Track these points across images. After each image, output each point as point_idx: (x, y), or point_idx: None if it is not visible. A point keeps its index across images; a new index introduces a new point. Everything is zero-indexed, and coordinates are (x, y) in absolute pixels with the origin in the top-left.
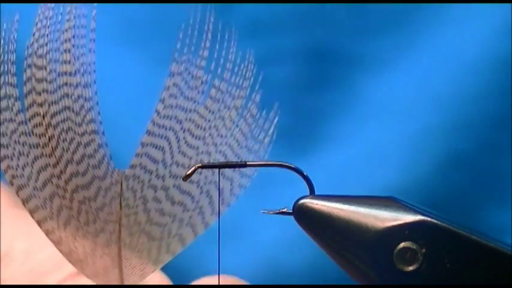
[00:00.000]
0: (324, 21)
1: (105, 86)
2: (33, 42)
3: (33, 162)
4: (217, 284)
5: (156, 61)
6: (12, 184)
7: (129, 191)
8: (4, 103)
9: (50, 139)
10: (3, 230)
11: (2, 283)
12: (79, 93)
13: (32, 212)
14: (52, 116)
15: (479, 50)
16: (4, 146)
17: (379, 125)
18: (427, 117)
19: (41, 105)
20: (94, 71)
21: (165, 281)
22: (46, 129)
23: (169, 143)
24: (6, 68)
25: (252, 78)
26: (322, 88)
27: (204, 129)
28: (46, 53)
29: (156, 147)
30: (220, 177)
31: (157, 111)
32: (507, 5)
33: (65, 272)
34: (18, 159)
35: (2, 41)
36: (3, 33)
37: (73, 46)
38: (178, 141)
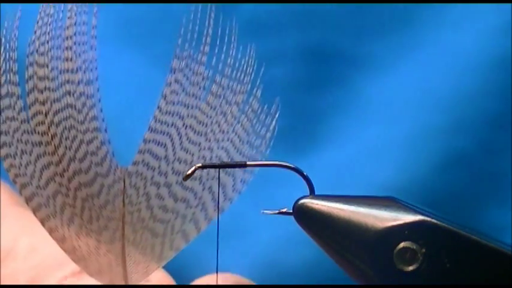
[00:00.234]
0: (324, 21)
1: (105, 84)
2: (34, 40)
3: (36, 160)
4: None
5: (157, 59)
6: (15, 182)
7: (132, 188)
8: (6, 101)
9: (52, 137)
10: (6, 227)
11: (6, 279)
12: (81, 91)
13: (35, 210)
14: (54, 114)
15: (479, 50)
16: (7, 145)
17: (379, 125)
18: (427, 117)
19: (43, 103)
20: (96, 68)
21: (168, 279)
22: (48, 127)
23: (172, 140)
24: (8, 66)
25: (253, 74)
26: (322, 88)
27: (206, 125)
28: (48, 51)
29: (158, 144)
30: (222, 173)
31: (159, 108)
32: (507, 5)
33: (69, 269)
34: (21, 157)
35: (2, 40)
36: (4, 32)
37: (74, 43)
38: (180, 137)
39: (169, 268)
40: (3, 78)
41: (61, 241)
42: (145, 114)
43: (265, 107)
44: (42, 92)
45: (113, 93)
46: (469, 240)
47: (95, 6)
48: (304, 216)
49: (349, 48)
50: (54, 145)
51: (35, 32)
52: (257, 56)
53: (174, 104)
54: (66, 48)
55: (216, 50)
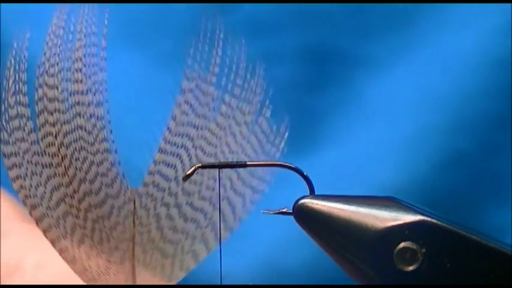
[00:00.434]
0: (324, 22)
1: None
2: (44, 62)
3: (46, 181)
4: None
5: (156, 58)
6: (25, 204)
7: (143, 209)
8: (16, 123)
9: (62, 158)
10: (12, 243)
11: None
12: (91, 112)
13: (45, 231)
14: (65, 136)
15: (479, 50)
16: (17, 166)
17: (379, 125)
18: (427, 117)
19: (53, 124)
20: (106, 90)
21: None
22: (59, 148)
23: (182, 161)
24: (17, 88)
25: (262, 94)
26: (322, 88)
27: (216, 146)
28: (57, 73)
29: (168, 165)
30: (232, 193)
31: (169, 129)
32: (507, 5)
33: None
34: (31, 179)
35: (12, 61)
36: (13, 53)
37: (84, 65)
38: (190, 158)
39: None
40: (13, 100)
41: (71, 262)
42: (146, 114)
43: (275, 127)
44: (52, 114)
45: (113, 93)
46: (469, 240)
47: (105, 27)
48: (304, 216)
49: (349, 48)
50: (65, 166)
51: (45, 54)
52: (257, 56)
53: (183, 125)
54: (76, 70)
55: (225, 69)
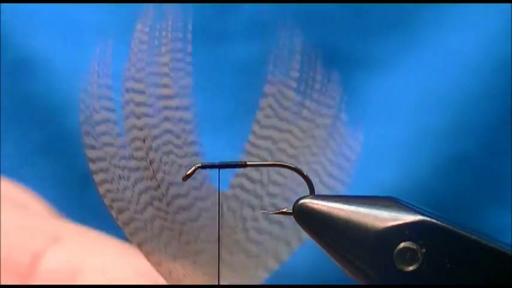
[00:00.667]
0: (324, 21)
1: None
2: (130, 67)
3: (134, 185)
4: None
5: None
6: (111, 208)
7: (229, 211)
8: (102, 127)
9: (151, 162)
10: (64, 247)
11: None
12: (179, 116)
13: (132, 234)
14: (153, 140)
15: (481, 51)
16: (103, 170)
17: (380, 125)
18: (427, 119)
19: (141, 129)
20: (193, 94)
21: None
22: (147, 153)
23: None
24: (102, 93)
25: (338, 97)
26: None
27: (297, 149)
28: (144, 77)
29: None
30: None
31: (254, 132)
32: (508, 5)
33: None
34: (118, 183)
35: (97, 67)
36: (98, 59)
37: (171, 70)
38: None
39: None
40: (99, 104)
41: (157, 264)
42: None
43: (351, 128)
44: (139, 118)
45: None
46: (469, 240)
47: (189, 32)
48: (304, 216)
49: (349, 48)
50: (153, 170)
51: (130, 59)
52: (257, 56)
53: (267, 128)
54: (163, 74)
55: (302, 74)
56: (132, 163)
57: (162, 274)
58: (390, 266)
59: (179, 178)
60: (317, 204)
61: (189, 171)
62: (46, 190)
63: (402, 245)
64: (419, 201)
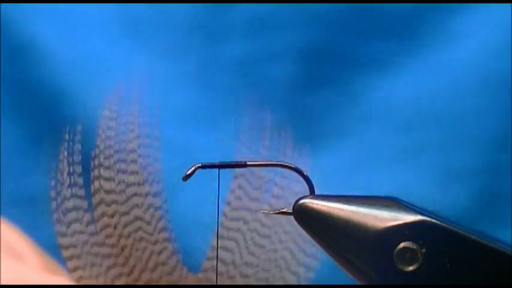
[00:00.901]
0: (325, 22)
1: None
2: (98, 154)
3: (107, 272)
4: None
5: (162, 54)
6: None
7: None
8: (73, 215)
9: (122, 249)
10: None
11: None
12: (149, 203)
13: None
14: (124, 227)
15: (486, 61)
16: (76, 257)
17: (379, 132)
18: (427, 128)
19: (111, 216)
20: (162, 180)
21: None
22: (118, 239)
23: (238, 244)
24: (72, 181)
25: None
26: (323, 88)
27: (270, 227)
28: (113, 164)
29: (225, 250)
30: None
31: (225, 214)
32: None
33: None
34: (91, 269)
35: (67, 156)
36: (66, 145)
37: (139, 156)
38: (246, 241)
39: None
40: (69, 192)
41: None
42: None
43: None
44: (109, 206)
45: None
46: (469, 240)
47: (157, 124)
48: (304, 216)
49: (350, 49)
50: (125, 257)
51: (98, 146)
52: (258, 55)
53: (238, 209)
54: (131, 161)
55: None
56: (104, 250)
57: None
58: (390, 266)
59: (151, 264)
60: (317, 204)
61: (189, 171)
62: (44, 179)
63: (402, 245)
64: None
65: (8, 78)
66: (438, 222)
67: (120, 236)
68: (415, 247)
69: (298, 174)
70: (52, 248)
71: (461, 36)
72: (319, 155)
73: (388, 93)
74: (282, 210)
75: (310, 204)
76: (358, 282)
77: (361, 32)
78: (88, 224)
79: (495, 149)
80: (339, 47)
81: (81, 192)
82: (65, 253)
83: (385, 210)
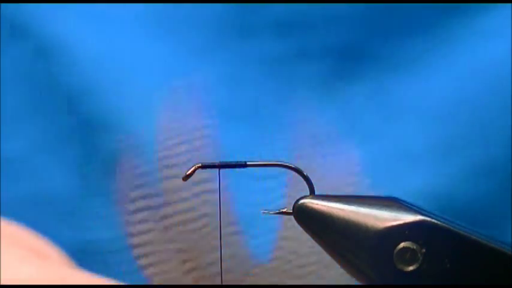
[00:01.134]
0: (354, 21)
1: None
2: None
3: (178, 267)
4: None
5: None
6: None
7: None
8: (144, 214)
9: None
10: None
11: None
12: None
13: None
14: (192, 222)
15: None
16: (147, 255)
17: (410, 128)
18: (458, 123)
19: (180, 214)
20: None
21: None
22: (187, 235)
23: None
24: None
25: None
26: (350, 87)
27: None
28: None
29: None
30: None
31: None
32: None
33: None
34: (163, 265)
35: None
36: None
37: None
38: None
39: None
40: (137, 193)
41: None
42: None
43: None
44: (177, 204)
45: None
46: (469, 240)
47: None
48: (304, 216)
49: (379, 48)
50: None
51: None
52: (286, 55)
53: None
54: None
55: None
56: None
57: None
58: (390, 266)
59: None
60: (317, 204)
61: (189, 171)
62: (68, 177)
63: (402, 245)
64: (448, 208)
65: (43, 79)
66: (438, 222)
67: (189, 231)
68: (415, 247)
69: (299, 174)
70: (69, 248)
71: (492, 35)
72: (349, 153)
73: (419, 87)
74: (282, 210)
75: (310, 204)
76: (358, 282)
77: (391, 30)
78: (157, 221)
79: None
80: (369, 45)
81: (149, 191)
82: (137, 252)
83: (385, 210)
